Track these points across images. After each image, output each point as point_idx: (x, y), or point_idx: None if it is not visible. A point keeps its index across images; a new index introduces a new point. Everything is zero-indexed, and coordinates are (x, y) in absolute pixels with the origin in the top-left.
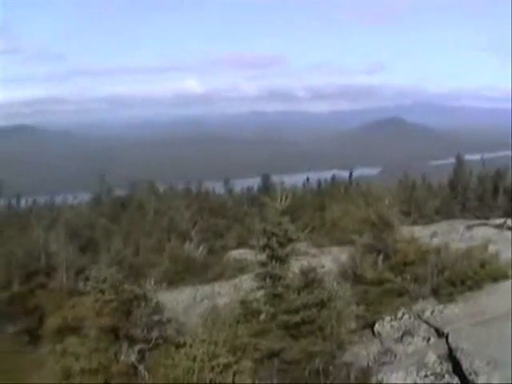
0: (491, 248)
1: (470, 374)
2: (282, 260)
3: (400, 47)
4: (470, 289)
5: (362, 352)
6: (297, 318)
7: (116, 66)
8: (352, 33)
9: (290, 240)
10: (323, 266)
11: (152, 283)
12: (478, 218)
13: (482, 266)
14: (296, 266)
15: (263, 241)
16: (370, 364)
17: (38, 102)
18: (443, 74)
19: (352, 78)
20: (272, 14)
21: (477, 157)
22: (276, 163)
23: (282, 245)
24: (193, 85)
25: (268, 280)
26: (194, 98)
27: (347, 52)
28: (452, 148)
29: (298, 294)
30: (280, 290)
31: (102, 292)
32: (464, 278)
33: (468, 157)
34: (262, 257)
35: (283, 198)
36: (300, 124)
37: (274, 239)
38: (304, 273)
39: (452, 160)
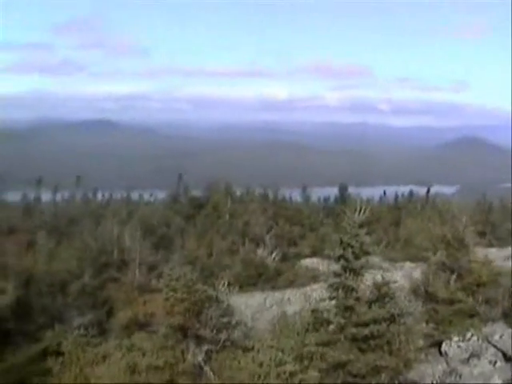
0: None
1: None
2: (356, 272)
3: (487, 65)
4: None
5: (427, 371)
6: (366, 331)
7: (202, 67)
8: (439, 48)
9: (366, 253)
10: (395, 281)
11: (225, 285)
12: None
13: None
14: (368, 278)
15: (338, 251)
16: (435, 383)
17: (123, 98)
18: None
19: (436, 94)
20: (361, 24)
21: None
22: (354, 175)
23: (357, 257)
24: (276, 91)
25: (340, 291)
26: (277, 105)
27: (433, 67)
28: None
29: (369, 307)
30: (351, 301)
31: (175, 290)
32: None
33: None
34: (336, 267)
35: (361, 210)
36: (380, 137)
37: (350, 250)
38: (377, 286)
39: None
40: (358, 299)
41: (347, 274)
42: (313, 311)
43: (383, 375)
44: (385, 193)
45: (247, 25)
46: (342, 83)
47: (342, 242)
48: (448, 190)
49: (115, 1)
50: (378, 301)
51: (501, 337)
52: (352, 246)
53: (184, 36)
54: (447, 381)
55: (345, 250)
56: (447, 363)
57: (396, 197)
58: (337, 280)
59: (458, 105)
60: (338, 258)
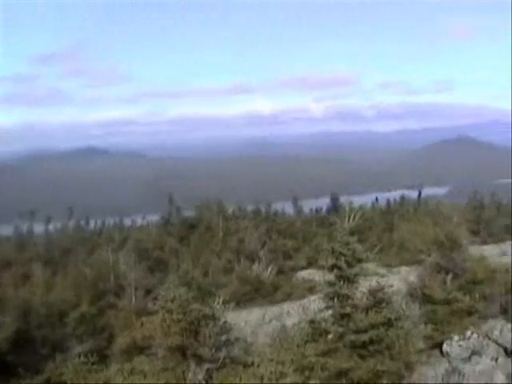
0: None
1: None
2: (350, 280)
3: (468, 66)
4: None
5: (429, 372)
6: (365, 338)
7: (184, 88)
8: (420, 52)
9: (359, 260)
10: (391, 286)
11: (220, 303)
12: None
13: None
14: (364, 285)
15: (331, 261)
16: None
17: (108, 124)
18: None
19: (420, 97)
20: (339, 34)
21: None
22: (345, 183)
23: (350, 265)
24: (262, 106)
25: (336, 300)
26: (263, 119)
27: (415, 71)
28: None
29: (366, 313)
30: (348, 309)
31: (170, 311)
32: None
33: None
34: (330, 277)
35: (351, 218)
36: (368, 144)
37: (342, 259)
38: (372, 292)
39: None
40: (354, 306)
41: (341, 283)
42: (310, 322)
43: (385, 380)
44: (377, 199)
45: (224, 43)
46: (324, 93)
47: (333, 251)
48: (439, 191)
49: (94, 30)
50: (374, 307)
51: (500, 332)
52: (344, 255)
53: (165, 59)
54: (451, 380)
55: (337, 259)
56: (449, 363)
57: (388, 202)
58: (331, 289)
59: (441, 106)
60: (332, 268)
